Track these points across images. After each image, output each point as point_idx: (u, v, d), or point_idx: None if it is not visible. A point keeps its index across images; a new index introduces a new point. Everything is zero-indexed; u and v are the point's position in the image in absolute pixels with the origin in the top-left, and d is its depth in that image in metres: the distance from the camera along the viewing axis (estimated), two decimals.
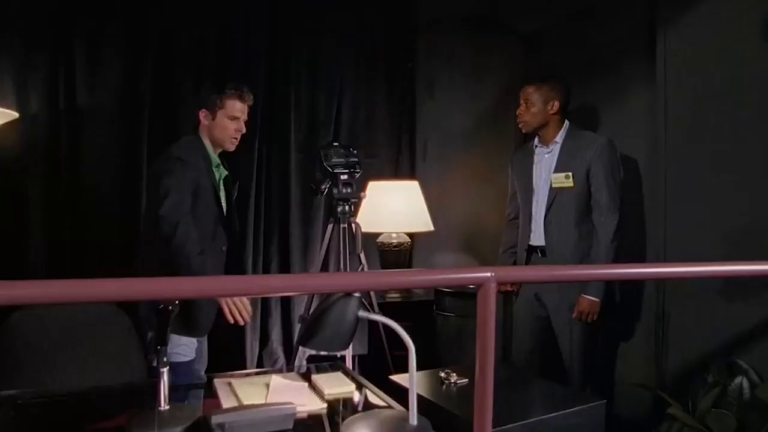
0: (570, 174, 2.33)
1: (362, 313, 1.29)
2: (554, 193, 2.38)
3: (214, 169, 2.20)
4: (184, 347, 2.08)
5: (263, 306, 3.26)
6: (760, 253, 1.88)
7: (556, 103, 2.37)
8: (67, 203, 2.94)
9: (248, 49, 3.26)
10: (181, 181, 2.03)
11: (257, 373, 1.68)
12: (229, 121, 2.16)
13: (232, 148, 2.23)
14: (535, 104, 2.38)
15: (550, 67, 2.79)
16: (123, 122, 3.04)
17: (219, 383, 1.55)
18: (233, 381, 1.55)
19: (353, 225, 2.33)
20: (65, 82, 2.95)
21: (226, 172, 2.28)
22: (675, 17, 2.13)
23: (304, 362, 3.47)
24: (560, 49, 2.80)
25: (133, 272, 3.01)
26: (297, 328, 3.30)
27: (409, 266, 3.29)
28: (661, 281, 2.19)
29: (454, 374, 1.77)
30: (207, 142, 2.20)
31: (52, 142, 2.93)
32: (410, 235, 3.20)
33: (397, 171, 3.53)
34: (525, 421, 1.47)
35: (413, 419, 1.28)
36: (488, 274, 1.33)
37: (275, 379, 1.52)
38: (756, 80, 1.90)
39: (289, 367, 2.94)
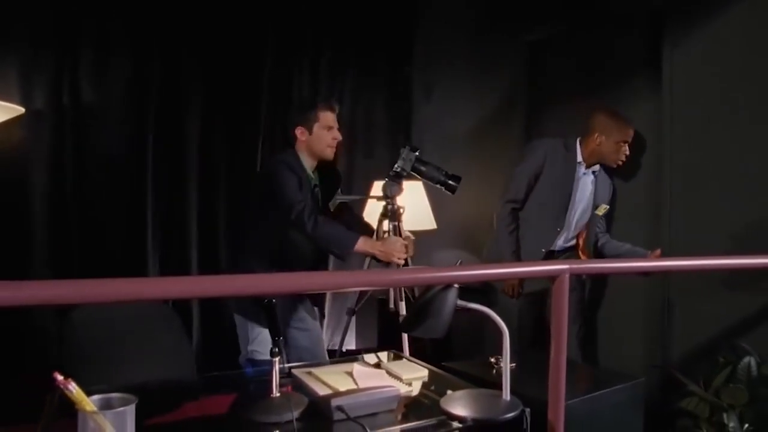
0: (607, 207, 2.65)
1: (460, 302, 1.42)
2: (593, 217, 2.67)
3: (308, 180, 2.31)
4: (266, 344, 2.15)
5: None
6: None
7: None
8: (73, 198, 2.92)
9: (252, 51, 3.32)
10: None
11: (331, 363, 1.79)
12: (325, 132, 2.29)
13: (331, 155, 2.34)
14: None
15: (554, 75, 3.00)
16: (129, 118, 3.04)
17: (300, 373, 1.64)
18: (313, 370, 1.65)
19: (401, 224, 2.46)
20: (70, 78, 2.92)
21: (317, 182, 2.38)
22: (681, 32, 2.38)
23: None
24: (565, 58, 3.00)
25: (142, 267, 3.03)
26: None
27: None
28: (667, 274, 2.43)
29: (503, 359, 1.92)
30: (304, 157, 2.31)
31: (56, 137, 2.90)
32: (412, 233, 3.33)
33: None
34: (583, 397, 1.65)
35: (506, 395, 1.43)
36: (564, 267, 1.51)
37: (357, 368, 1.62)
38: (761, 94, 2.16)
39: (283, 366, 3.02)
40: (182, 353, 2.03)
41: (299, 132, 2.29)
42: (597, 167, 2.69)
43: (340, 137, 2.34)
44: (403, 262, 2.29)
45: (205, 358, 3.18)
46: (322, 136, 2.28)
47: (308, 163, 2.32)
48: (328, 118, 2.30)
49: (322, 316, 2.54)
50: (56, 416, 1.37)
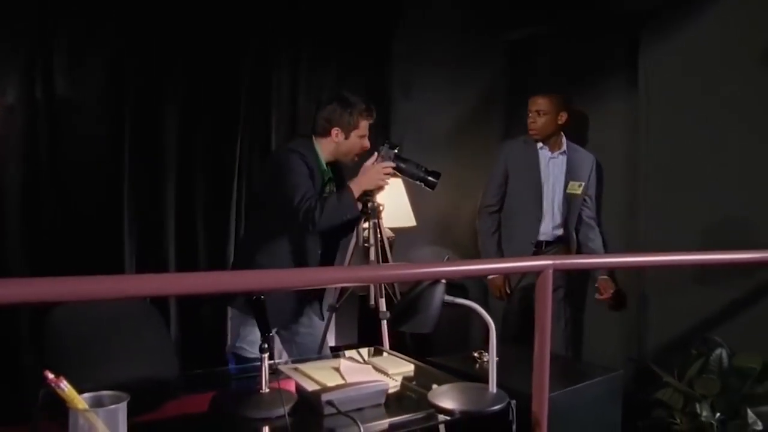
0: (582, 183, 2.71)
1: (447, 297, 1.45)
2: (568, 197, 2.73)
3: (321, 173, 2.27)
4: (254, 343, 2.15)
5: None
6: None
7: (564, 115, 2.66)
8: (48, 194, 2.84)
9: (232, 48, 3.28)
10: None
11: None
12: (359, 140, 2.24)
13: (351, 163, 2.30)
14: (547, 113, 2.64)
15: (534, 75, 3.06)
16: (105, 113, 2.98)
17: (286, 369, 1.64)
18: (299, 366, 1.66)
19: (381, 221, 2.46)
20: (43, 72, 2.85)
21: (330, 175, 2.34)
22: (658, 35, 2.45)
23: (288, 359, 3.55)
24: (545, 58, 3.06)
25: (119, 265, 2.98)
26: None
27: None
28: (642, 270, 2.50)
29: (486, 354, 1.96)
30: (323, 152, 2.26)
31: (30, 131, 2.82)
32: (392, 230, 3.35)
33: None
34: (565, 389, 1.69)
35: (493, 388, 1.46)
36: (548, 262, 1.55)
37: (344, 363, 1.64)
38: (730, 95, 2.24)
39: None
40: (164, 350, 2.01)
41: (335, 133, 2.23)
42: (564, 146, 2.76)
43: (368, 146, 2.29)
44: (389, 180, 2.24)
45: (184, 354, 3.15)
46: (356, 144, 2.24)
47: (325, 158, 2.27)
48: (366, 127, 2.25)
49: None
50: (43, 416, 1.36)
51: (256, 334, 2.13)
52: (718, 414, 2.01)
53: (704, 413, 1.99)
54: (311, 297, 2.40)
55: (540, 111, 2.67)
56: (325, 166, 2.29)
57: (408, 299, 1.41)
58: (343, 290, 2.80)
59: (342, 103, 2.23)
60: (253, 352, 2.16)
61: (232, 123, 3.32)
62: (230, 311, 2.31)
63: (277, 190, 2.15)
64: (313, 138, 2.29)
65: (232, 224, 3.25)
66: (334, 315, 2.65)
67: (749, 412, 1.97)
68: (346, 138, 2.23)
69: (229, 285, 1.34)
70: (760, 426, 1.96)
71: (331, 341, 3.65)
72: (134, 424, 1.23)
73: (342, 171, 2.43)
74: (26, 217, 2.80)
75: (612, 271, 2.73)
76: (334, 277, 1.37)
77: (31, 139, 2.82)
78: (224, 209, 3.23)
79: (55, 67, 2.88)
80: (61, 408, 1.12)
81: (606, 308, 2.78)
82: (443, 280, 1.43)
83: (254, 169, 3.36)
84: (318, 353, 2.45)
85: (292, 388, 1.52)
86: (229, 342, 2.32)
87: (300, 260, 2.24)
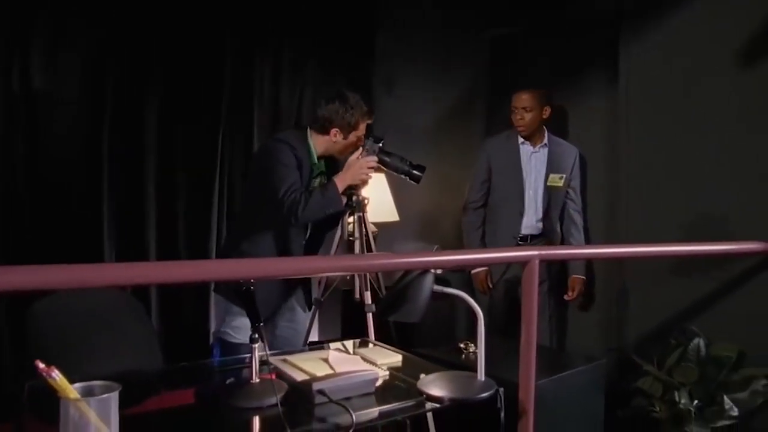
0: (563, 176, 2.74)
1: (437, 287, 1.46)
2: (549, 191, 2.76)
3: (311, 166, 2.25)
4: (238, 329, 2.14)
5: None
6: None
7: (548, 109, 2.70)
8: (25, 191, 2.80)
9: (213, 43, 3.26)
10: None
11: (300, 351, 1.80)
12: (355, 140, 2.23)
13: (344, 160, 2.27)
14: (533, 109, 2.68)
15: (516, 73, 3.09)
16: (84, 107, 2.94)
17: (275, 361, 1.64)
18: (288, 358, 1.66)
19: (366, 215, 2.47)
20: (20, 64, 2.80)
21: (322, 169, 2.32)
22: (638, 32, 2.50)
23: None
24: (526, 55, 3.10)
25: (98, 258, 2.94)
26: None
27: None
28: (621, 262, 2.56)
29: (472, 345, 1.99)
30: (316, 146, 2.24)
31: (8, 125, 2.77)
32: (375, 224, 3.36)
33: None
34: (550, 378, 1.72)
35: (481, 376, 1.48)
36: (534, 253, 1.57)
37: (332, 354, 1.64)
38: (710, 92, 2.29)
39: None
40: (147, 341, 1.99)
41: (334, 132, 2.21)
42: (546, 139, 2.80)
43: (362, 143, 2.29)
44: (372, 174, 2.25)
45: (167, 345, 3.11)
46: (351, 143, 2.24)
47: (318, 152, 2.25)
48: (364, 127, 2.25)
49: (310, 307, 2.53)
50: (27, 409, 1.34)
51: (240, 320, 2.15)
52: (695, 401, 2.07)
53: (683, 400, 2.04)
54: (295, 288, 2.39)
55: (526, 107, 2.70)
56: (316, 159, 2.28)
57: (398, 289, 1.43)
58: (327, 284, 2.80)
59: (344, 103, 2.22)
60: (237, 337, 2.16)
61: (213, 119, 3.30)
62: (214, 296, 2.29)
63: (264, 180, 2.14)
64: (309, 131, 2.27)
65: (213, 221, 3.23)
66: (317, 310, 2.65)
67: (725, 398, 2.03)
68: (344, 138, 2.23)
69: (213, 274, 1.34)
70: (735, 412, 2.01)
71: (313, 336, 3.65)
72: (122, 417, 1.22)
73: (339, 167, 2.42)
74: (5, 213, 2.75)
75: (588, 269, 2.76)
76: (324, 267, 1.38)
77: (9, 134, 2.77)
78: (206, 206, 3.21)
79: (33, 63, 2.83)
80: (47, 402, 1.11)
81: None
82: (432, 271, 1.45)
83: (236, 165, 3.35)
84: (303, 346, 2.45)
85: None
86: (213, 328, 2.30)
87: (284, 252, 2.24)
